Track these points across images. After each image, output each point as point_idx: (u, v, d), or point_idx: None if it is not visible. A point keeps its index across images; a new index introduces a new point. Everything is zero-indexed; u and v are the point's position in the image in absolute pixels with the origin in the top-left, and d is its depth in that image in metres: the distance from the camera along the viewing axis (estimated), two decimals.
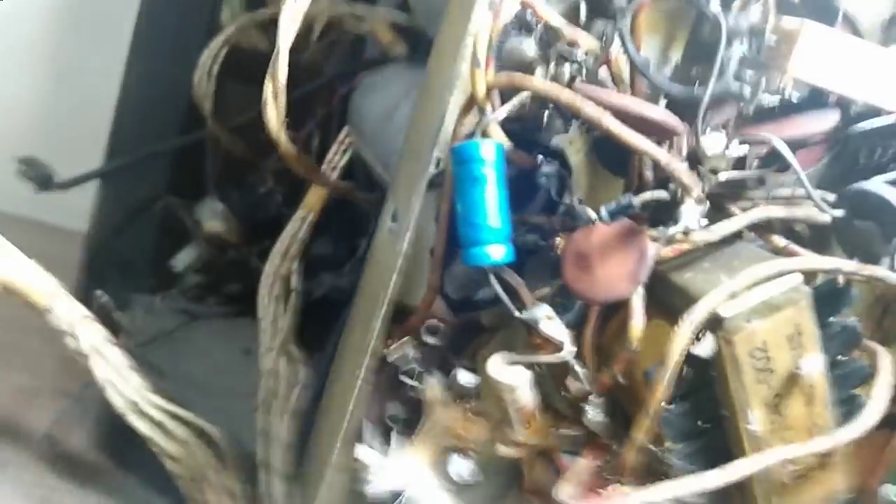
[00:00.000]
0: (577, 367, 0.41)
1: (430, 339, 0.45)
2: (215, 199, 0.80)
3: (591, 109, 0.36)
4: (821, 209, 0.43)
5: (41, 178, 0.76)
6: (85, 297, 0.63)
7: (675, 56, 0.46)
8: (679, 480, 0.39)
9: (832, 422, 0.43)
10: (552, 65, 0.41)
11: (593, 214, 0.40)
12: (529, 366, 0.41)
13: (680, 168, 0.38)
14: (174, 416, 0.55)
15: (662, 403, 0.40)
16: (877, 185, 0.41)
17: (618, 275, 0.39)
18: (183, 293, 0.81)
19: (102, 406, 0.55)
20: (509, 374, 0.40)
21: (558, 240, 0.44)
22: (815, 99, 0.46)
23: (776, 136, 0.43)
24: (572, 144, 0.46)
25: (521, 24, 0.41)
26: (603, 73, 0.43)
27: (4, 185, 0.77)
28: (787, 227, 0.47)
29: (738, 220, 0.44)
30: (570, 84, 0.40)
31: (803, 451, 0.41)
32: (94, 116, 0.82)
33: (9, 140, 0.90)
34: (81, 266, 0.82)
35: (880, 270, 0.42)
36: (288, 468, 0.55)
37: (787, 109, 0.45)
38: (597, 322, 0.45)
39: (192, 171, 0.81)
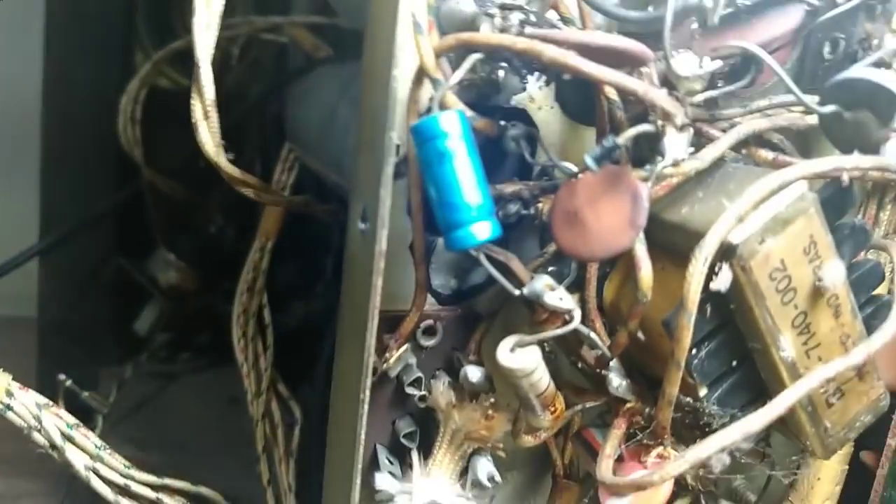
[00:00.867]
0: (592, 334, 0.38)
1: (428, 342, 0.41)
2: (165, 250, 0.76)
3: (553, 52, 0.33)
4: (810, 109, 0.40)
5: None
6: (48, 384, 0.58)
7: None
8: (725, 430, 0.36)
9: (862, 329, 0.41)
10: (496, 18, 0.37)
11: (573, 167, 0.37)
12: (539, 344, 0.38)
13: (659, 95, 0.35)
14: (169, 490, 0.51)
15: None
16: (861, 71, 0.38)
17: (614, 225, 0.36)
18: (152, 356, 0.76)
19: (93, 496, 0.51)
20: (521, 358, 0.37)
21: (541, 204, 0.41)
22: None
23: (742, 45, 0.41)
24: (533, 101, 0.42)
25: None
26: (550, 16, 0.40)
27: None
28: (764, 142, 0.44)
29: (725, 140, 0.41)
30: (520, 34, 0.36)
31: (843, 366, 0.39)
32: (18, 187, 0.77)
33: None
34: (38, 351, 0.77)
35: (882, 160, 0.39)
36: None
37: (745, 14, 0.42)
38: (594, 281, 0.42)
39: (133, 226, 0.77)
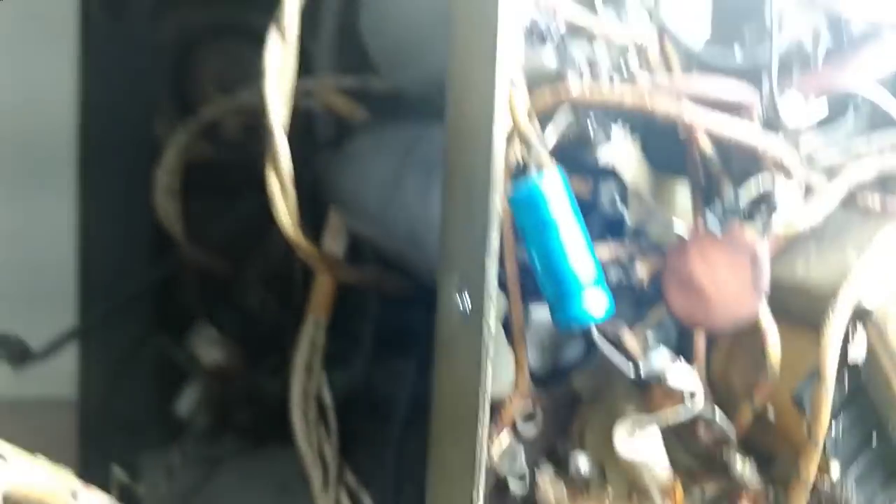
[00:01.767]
0: (717, 414, 0.34)
1: (528, 430, 0.36)
2: (207, 326, 0.72)
3: (667, 105, 0.29)
4: None
5: (16, 353, 0.67)
6: (88, 470, 0.54)
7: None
8: None
9: None
10: (583, 71, 0.34)
11: (682, 226, 0.34)
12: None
13: (779, 148, 0.31)
14: None
15: None
16: None
17: (735, 291, 0.32)
18: (196, 440, 0.72)
19: None
20: (642, 448, 0.33)
21: (638, 268, 0.37)
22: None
23: (848, 81, 0.37)
24: (622, 155, 0.39)
25: (533, 33, 0.35)
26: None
27: None
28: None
29: (835, 190, 0.37)
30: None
31: None
32: (56, 270, 0.74)
33: None
34: (79, 436, 0.73)
35: None
36: None
37: (836, 50, 0.39)
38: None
39: (173, 303, 0.73)
